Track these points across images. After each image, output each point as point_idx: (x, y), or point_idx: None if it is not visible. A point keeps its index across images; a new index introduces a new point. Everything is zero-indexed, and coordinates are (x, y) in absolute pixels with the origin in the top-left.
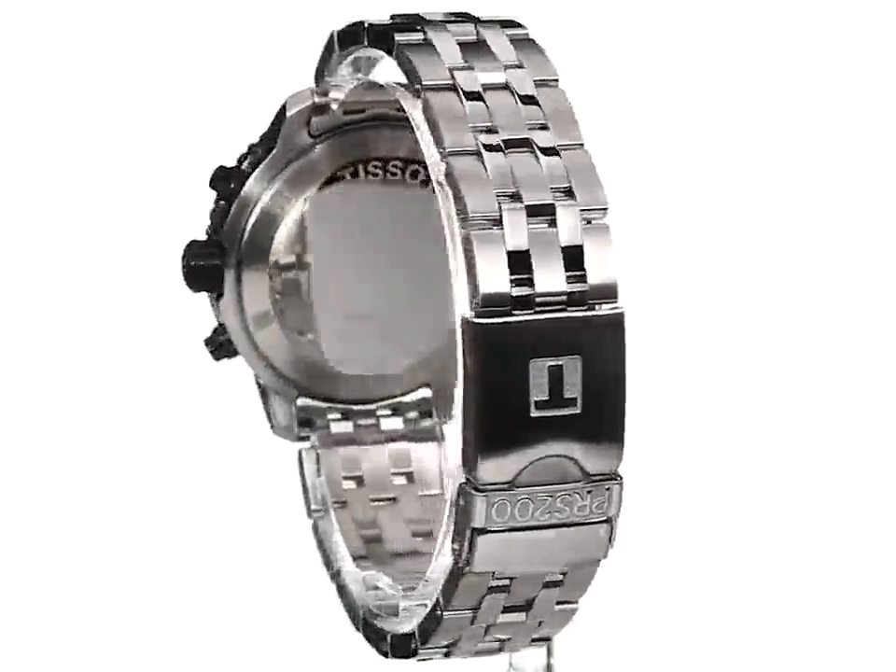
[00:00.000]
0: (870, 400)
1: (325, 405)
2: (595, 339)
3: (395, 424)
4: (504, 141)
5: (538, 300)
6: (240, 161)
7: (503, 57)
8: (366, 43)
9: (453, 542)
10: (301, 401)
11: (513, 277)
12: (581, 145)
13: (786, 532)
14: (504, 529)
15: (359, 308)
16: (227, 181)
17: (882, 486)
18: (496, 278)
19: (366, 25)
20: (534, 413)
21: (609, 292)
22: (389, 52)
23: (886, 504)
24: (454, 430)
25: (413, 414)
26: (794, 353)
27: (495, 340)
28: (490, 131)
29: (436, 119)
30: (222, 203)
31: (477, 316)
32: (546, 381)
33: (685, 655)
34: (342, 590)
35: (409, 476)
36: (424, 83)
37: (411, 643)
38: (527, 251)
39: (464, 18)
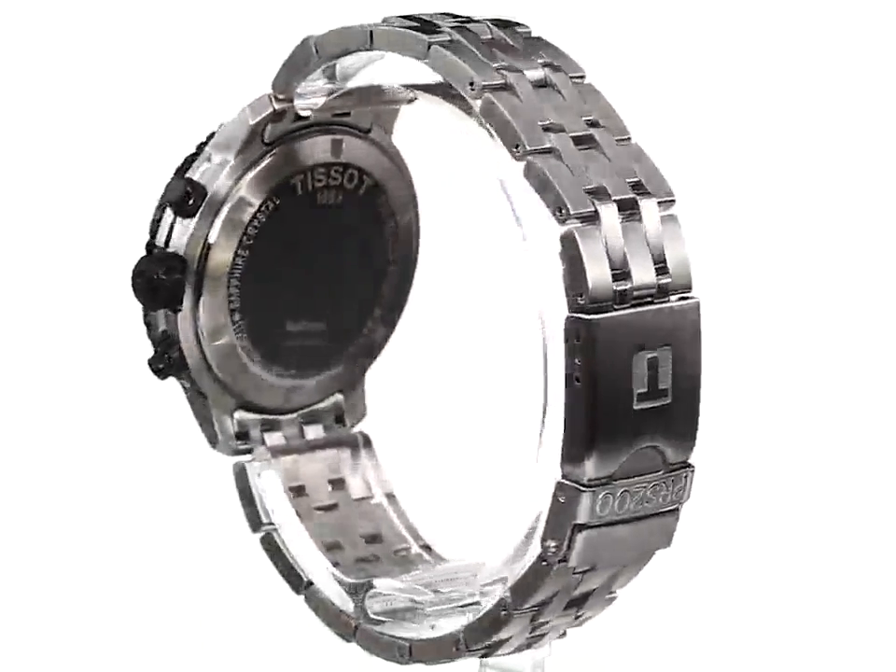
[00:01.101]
0: None
1: (258, 416)
2: (681, 328)
3: (316, 432)
4: (572, 138)
5: (634, 293)
6: (185, 168)
7: (533, 55)
8: (371, 47)
9: (546, 539)
10: (238, 414)
11: (613, 272)
12: (630, 138)
13: (793, 535)
14: (603, 524)
15: (285, 318)
16: (187, 197)
17: None
18: (601, 274)
19: (371, 29)
20: (636, 406)
21: (686, 282)
22: (418, 55)
23: None
24: (547, 428)
25: (329, 421)
26: (806, 346)
27: (605, 335)
28: (554, 129)
29: (507, 119)
30: (180, 217)
31: (586, 313)
32: (646, 373)
33: (678, 655)
34: (318, 601)
35: (341, 482)
36: (482, 84)
37: (451, 646)
38: (623, 246)
39: (468, 18)
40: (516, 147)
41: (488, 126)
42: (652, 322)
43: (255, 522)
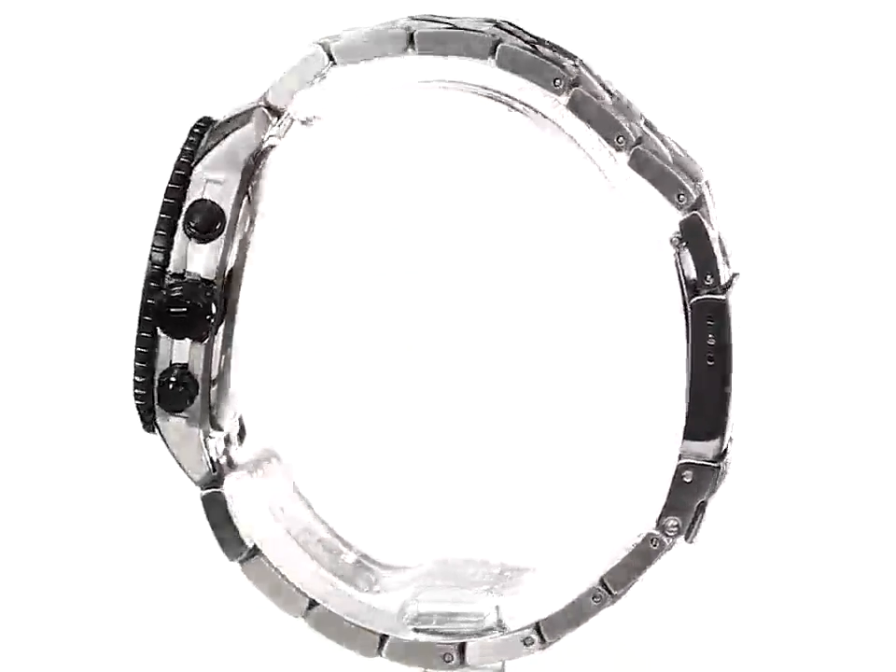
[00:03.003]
0: None
1: (220, 435)
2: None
3: (236, 449)
4: (645, 125)
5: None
6: (181, 191)
7: (564, 53)
8: (407, 50)
9: (666, 519)
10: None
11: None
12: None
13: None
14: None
15: None
16: (215, 223)
17: None
18: (722, 257)
19: (413, 32)
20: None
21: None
22: (479, 55)
23: None
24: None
25: (234, 437)
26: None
27: (732, 315)
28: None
29: (604, 110)
30: (196, 242)
31: (715, 294)
32: None
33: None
34: (328, 620)
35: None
36: (569, 79)
37: (518, 643)
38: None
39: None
40: (618, 138)
41: (581, 120)
42: (730, 301)
43: (234, 549)
